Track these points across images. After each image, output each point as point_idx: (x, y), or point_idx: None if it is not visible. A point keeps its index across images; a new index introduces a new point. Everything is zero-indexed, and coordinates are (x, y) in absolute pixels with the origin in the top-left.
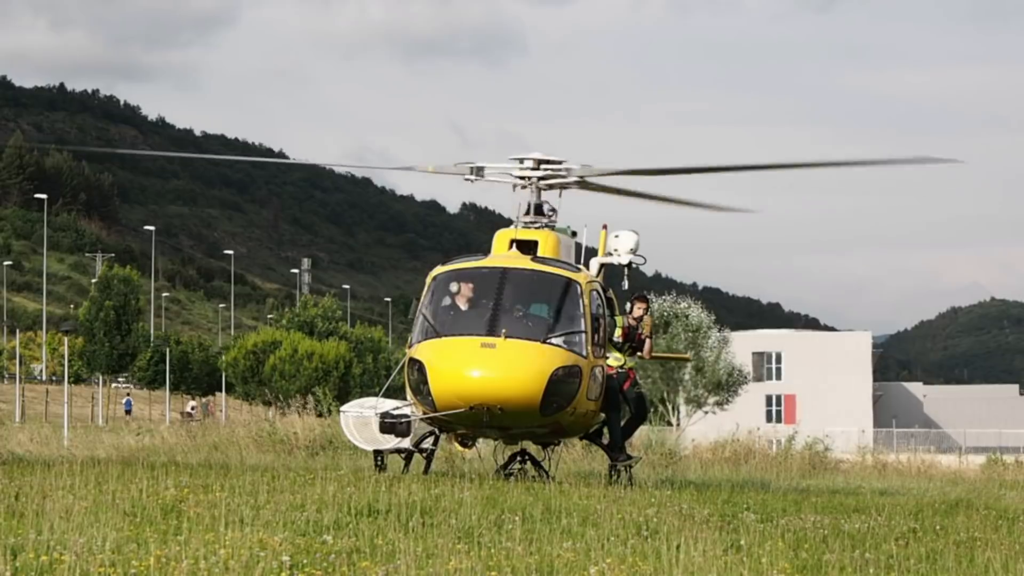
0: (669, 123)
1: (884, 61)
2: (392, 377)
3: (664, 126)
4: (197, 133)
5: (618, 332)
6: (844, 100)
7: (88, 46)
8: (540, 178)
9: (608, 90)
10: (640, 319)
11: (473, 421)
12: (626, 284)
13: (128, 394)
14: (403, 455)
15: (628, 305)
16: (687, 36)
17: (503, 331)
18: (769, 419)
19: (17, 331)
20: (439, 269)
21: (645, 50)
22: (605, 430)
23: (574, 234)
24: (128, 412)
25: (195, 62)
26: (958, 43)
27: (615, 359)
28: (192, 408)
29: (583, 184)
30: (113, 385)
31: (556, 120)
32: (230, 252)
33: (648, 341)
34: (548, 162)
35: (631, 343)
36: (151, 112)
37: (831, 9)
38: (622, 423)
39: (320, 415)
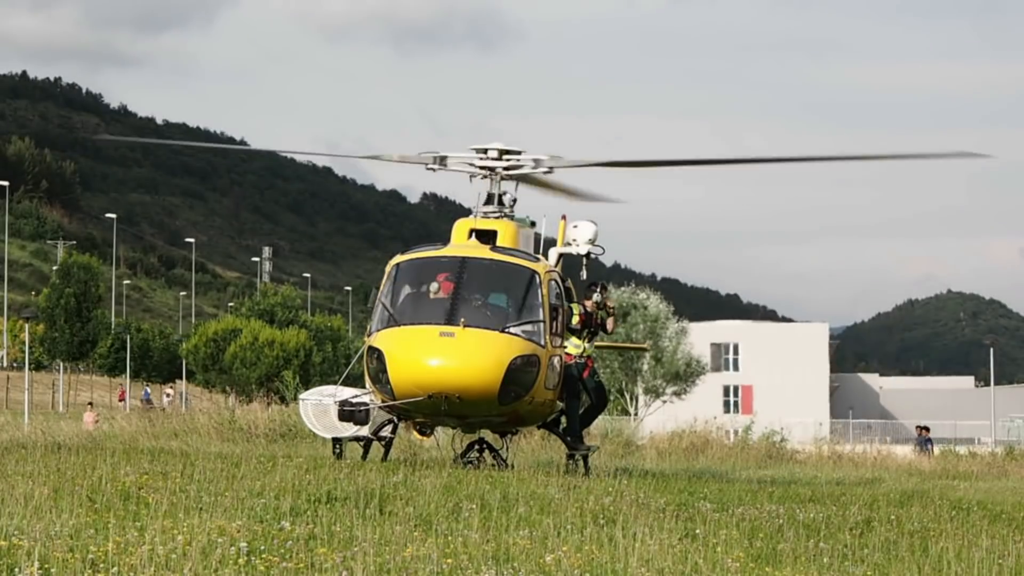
0: (649, 120)
1: (855, 56)
2: (351, 365)
3: (644, 123)
4: (159, 121)
5: (575, 319)
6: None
7: (57, 32)
8: (502, 168)
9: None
10: (598, 308)
11: (431, 409)
12: (584, 274)
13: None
14: (361, 443)
15: (586, 292)
16: (675, 30)
17: (462, 320)
18: (727, 409)
19: None
20: (398, 258)
21: (632, 43)
22: (563, 419)
23: (533, 224)
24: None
25: (178, 48)
26: (928, 39)
27: (574, 346)
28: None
29: (533, 180)
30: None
31: (533, 115)
32: (191, 240)
33: (611, 319)
34: (509, 152)
35: (590, 328)
36: (113, 100)
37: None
38: (581, 411)
39: (283, 400)
